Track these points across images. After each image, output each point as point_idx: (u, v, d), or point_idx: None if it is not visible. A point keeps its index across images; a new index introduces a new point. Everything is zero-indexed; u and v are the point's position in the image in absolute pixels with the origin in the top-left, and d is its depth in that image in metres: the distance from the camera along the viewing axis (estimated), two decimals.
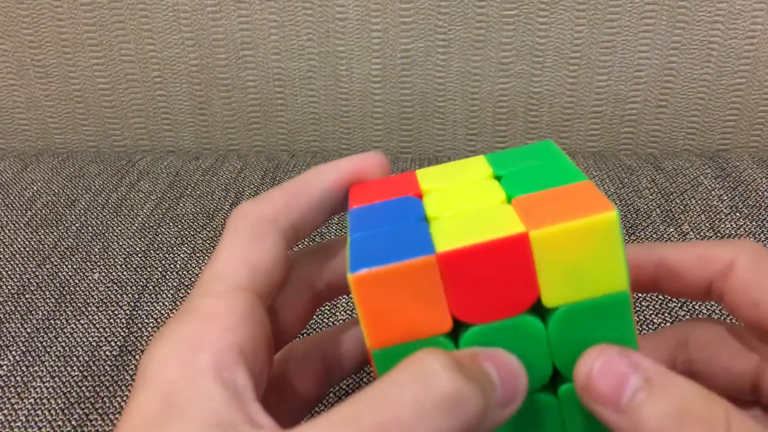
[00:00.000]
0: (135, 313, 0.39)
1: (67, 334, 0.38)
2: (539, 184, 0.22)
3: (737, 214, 0.44)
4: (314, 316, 0.35)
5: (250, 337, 0.20)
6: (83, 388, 0.35)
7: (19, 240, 0.44)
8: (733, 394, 0.24)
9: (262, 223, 0.23)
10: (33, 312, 0.39)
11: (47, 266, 0.42)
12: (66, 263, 0.42)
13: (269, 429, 0.18)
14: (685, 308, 0.37)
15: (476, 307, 0.20)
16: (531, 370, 0.21)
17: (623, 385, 0.19)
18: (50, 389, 0.35)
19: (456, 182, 0.24)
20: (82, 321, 0.38)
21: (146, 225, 0.46)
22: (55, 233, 0.45)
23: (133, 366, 0.36)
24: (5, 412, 0.33)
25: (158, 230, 0.45)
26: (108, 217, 0.46)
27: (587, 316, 0.21)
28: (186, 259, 0.43)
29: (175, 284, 0.41)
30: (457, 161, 0.26)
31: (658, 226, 0.43)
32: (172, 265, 0.42)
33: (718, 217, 0.44)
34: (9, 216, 0.47)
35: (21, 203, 0.48)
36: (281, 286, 0.24)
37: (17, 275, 0.41)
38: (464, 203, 0.22)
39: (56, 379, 0.35)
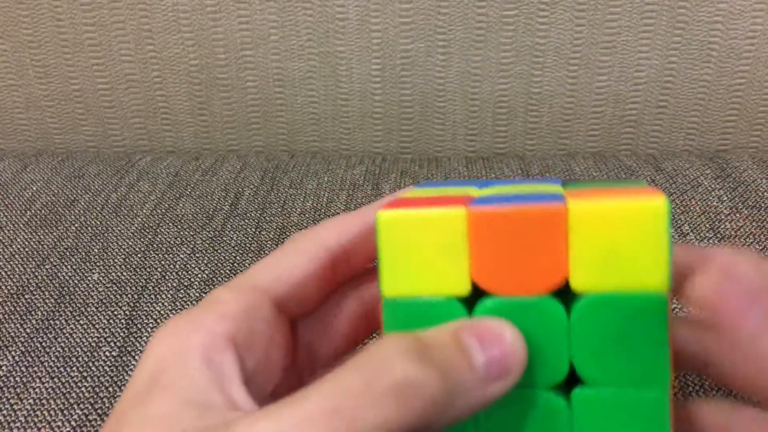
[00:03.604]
0: (134, 313, 0.39)
1: (67, 334, 0.38)
2: (598, 185, 0.21)
3: (737, 214, 0.44)
4: None
5: (248, 330, 0.21)
6: (82, 389, 0.35)
7: (19, 240, 0.44)
8: None
9: (309, 239, 0.23)
10: (32, 312, 0.39)
11: (46, 266, 0.42)
12: (65, 263, 0.42)
13: (246, 411, 0.19)
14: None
15: (498, 277, 0.19)
16: (544, 362, 0.20)
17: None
18: (49, 390, 0.35)
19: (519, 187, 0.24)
20: (81, 321, 0.38)
21: (146, 225, 0.46)
22: (54, 233, 0.45)
23: (132, 366, 0.36)
24: (4, 412, 0.33)
25: (158, 230, 0.45)
26: (107, 217, 0.46)
27: (616, 311, 0.19)
28: (185, 259, 0.43)
29: (174, 284, 0.41)
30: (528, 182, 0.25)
31: None
32: (171, 266, 0.42)
33: (718, 217, 0.44)
34: (8, 216, 0.47)
35: (20, 203, 0.48)
36: (320, 301, 0.24)
37: (16, 275, 0.41)
38: (519, 189, 0.22)
39: (55, 379, 0.35)
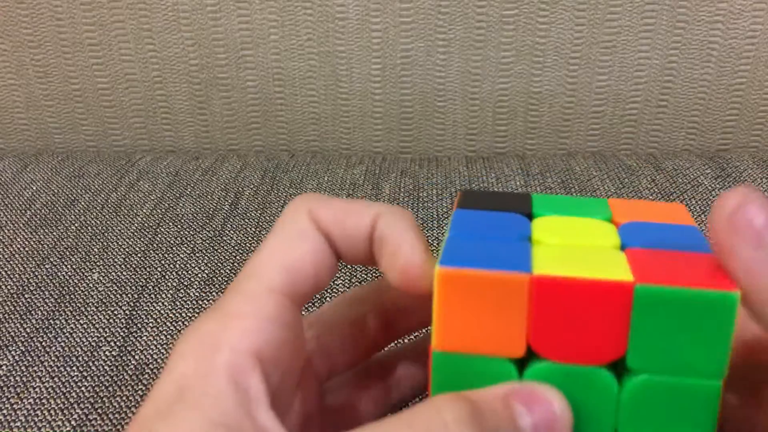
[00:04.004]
0: (134, 313, 0.39)
1: (67, 334, 0.38)
2: (660, 242, 0.21)
3: None
4: None
5: (273, 341, 0.20)
6: (82, 388, 0.35)
7: (19, 240, 0.44)
8: None
9: (312, 222, 0.22)
10: (32, 312, 0.39)
11: (46, 266, 0.42)
12: (65, 263, 0.42)
13: None
14: None
15: (555, 344, 0.19)
16: (589, 430, 0.20)
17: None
18: (49, 389, 0.35)
19: (570, 215, 0.23)
20: (81, 321, 0.38)
21: (146, 225, 0.46)
22: (54, 233, 0.45)
23: (132, 366, 0.36)
24: (4, 412, 0.33)
25: (158, 230, 0.45)
26: (107, 217, 0.46)
27: (669, 395, 0.19)
28: (185, 259, 0.43)
29: (174, 284, 0.41)
30: (577, 198, 0.24)
31: None
32: (171, 265, 0.42)
33: None
34: (8, 216, 0.47)
35: (20, 203, 0.48)
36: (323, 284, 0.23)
37: (16, 275, 0.41)
38: (574, 237, 0.21)
39: (55, 379, 0.35)
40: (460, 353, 0.20)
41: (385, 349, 0.26)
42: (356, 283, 0.40)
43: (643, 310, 0.19)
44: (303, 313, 0.23)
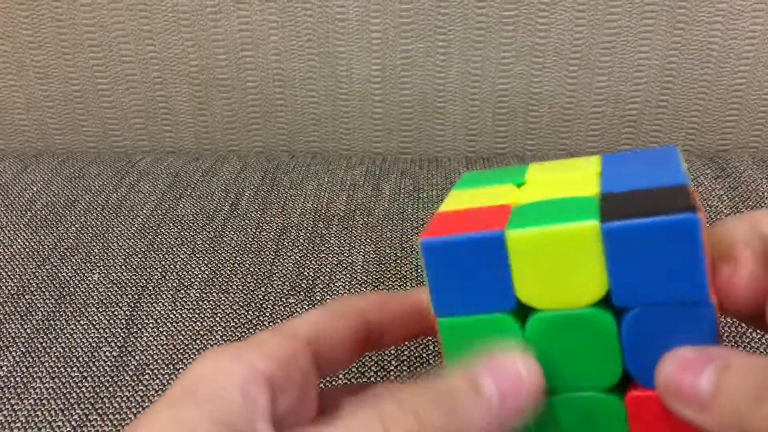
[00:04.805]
0: (134, 313, 0.39)
1: (67, 334, 0.38)
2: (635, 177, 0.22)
3: (737, 214, 0.44)
4: None
5: (286, 375, 0.22)
6: (83, 389, 0.35)
7: (19, 241, 0.44)
8: None
9: (351, 307, 0.25)
10: (33, 312, 0.39)
11: (47, 267, 0.42)
12: (66, 264, 0.42)
13: None
14: None
15: (542, 292, 0.21)
16: (598, 368, 0.21)
17: (699, 376, 0.19)
18: (50, 390, 0.35)
19: (559, 176, 0.24)
20: (81, 322, 0.38)
21: (146, 226, 0.46)
22: (54, 234, 0.45)
23: (132, 366, 0.36)
24: (5, 412, 0.33)
25: (158, 231, 0.45)
26: (108, 217, 0.46)
27: (663, 319, 0.20)
28: (186, 259, 0.43)
29: (174, 285, 0.41)
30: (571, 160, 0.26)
31: None
32: (171, 266, 0.42)
33: (718, 217, 0.44)
34: (9, 217, 0.47)
35: (21, 204, 0.48)
36: (347, 364, 0.25)
37: (17, 276, 0.41)
38: (558, 175, 0.23)
39: (56, 379, 0.35)
40: (462, 317, 0.21)
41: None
42: (357, 285, 0.40)
43: (613, 246, 0.19)
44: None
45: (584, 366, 0.21)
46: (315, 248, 0.43)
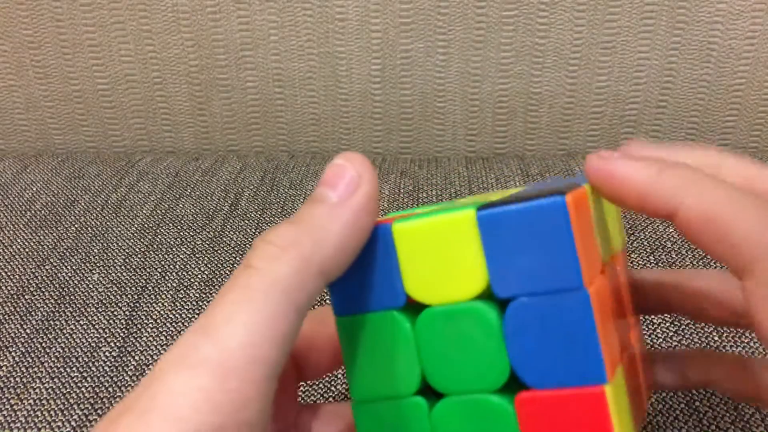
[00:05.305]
0: (134, 314, 0.39)
1: (67, 334, 0.38)
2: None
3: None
4: None
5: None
6: (82, 389, 0.35)
7: (19, 241, 0.44)
8: None
9: (332, 316, 0.24)
10: (32, 313, 0.39)
11: (47, 267, 0.42)
12: (65, 264, 0.42)
13: None
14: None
15: (427, 287, 0.21)
16: (487, 367, 0.20)
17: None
18: (49, 390, 0.35)
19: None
20: (81, 322, 0.38)
21: (146, 226, 0.46)
22: (54, 234, 0.45)
23: (132, 366, 0.36)
24: (5, 412, 0.33)
25: (157, 231, 0.45)
26: (107, 218, 0.46)
27: (543, 312, 0.20)
28: (185, 259, 0.43)
29: (174, 285, 0.41)
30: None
31: (657, 226, 0.43)
32: (171, 266, 0.42)
33: None
34: (8, 217, 0.47)
35: (20, 204, 0.48)
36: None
37: (17, 276, 0.41)
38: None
39: (56, 380, 0.35)
40: (357, 315, 0.22)
41: None
42: None
43: (488, 234, 0.20)
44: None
45: (474, 365, 0.20)
46: None
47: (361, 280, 0.22)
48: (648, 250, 0.41)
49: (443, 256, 0.20)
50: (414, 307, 0.21)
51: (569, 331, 0.19)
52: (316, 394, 0.35)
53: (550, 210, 0.19)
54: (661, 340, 0.35)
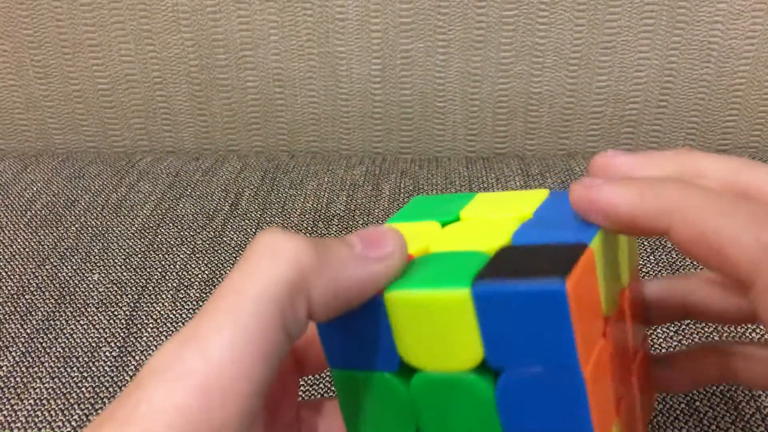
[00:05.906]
0: (134, 313, 0.39)
1: (67, 334, 0.38)
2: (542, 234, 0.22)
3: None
4: None
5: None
6: (83, 389, 0.35)
7: (19, 241, 0.44)
8: None
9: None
10: (33, 313, 0.39)
11: (47, 267, 0.42)
12: (66, 264, 0.42)
13: None
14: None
15: (423, 353, 0.20)
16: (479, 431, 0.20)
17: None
18: (50, 390, 0.35)
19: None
20: (81, 322, 0.38)
21: (146, 226, 0.46)
22: (54, 234, 0.45)
23: (132, 366, 0.36)
24: (5, 412, 0.33)
25: (158, 231, 0.45)
26: (108, 217, 0.46)
27: (535, 385, 0.19)
28: (186, 259, 0.43)
29: (174, 285, 0.41)
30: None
31: None
32: (171, 266, 0.42)
33: None
34: (9, 216, 0.47)
35: (21, 204, 0.48)
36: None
37: (17, 276, 0.41)
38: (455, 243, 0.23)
39: (56, 379, 0.35)
40: (352, 370, 0.22)
41: None
42: None
43: (485, 311, 0.19)
44: None
45: (466, 429, 0.21)
46: None
47: (355, 340, 0.21)
48: (648, 250, 0.41)
49: (437, 327, 0.20)
50: (408, 367, 0.21)
51: (562, 407, 0.19)
52: (315, 393, 0.35)
53: (548, 296, 0.18)
54: (661, 340, 0.35)
